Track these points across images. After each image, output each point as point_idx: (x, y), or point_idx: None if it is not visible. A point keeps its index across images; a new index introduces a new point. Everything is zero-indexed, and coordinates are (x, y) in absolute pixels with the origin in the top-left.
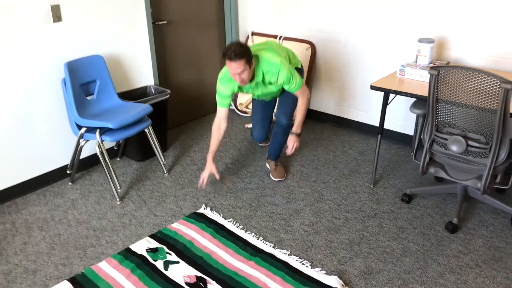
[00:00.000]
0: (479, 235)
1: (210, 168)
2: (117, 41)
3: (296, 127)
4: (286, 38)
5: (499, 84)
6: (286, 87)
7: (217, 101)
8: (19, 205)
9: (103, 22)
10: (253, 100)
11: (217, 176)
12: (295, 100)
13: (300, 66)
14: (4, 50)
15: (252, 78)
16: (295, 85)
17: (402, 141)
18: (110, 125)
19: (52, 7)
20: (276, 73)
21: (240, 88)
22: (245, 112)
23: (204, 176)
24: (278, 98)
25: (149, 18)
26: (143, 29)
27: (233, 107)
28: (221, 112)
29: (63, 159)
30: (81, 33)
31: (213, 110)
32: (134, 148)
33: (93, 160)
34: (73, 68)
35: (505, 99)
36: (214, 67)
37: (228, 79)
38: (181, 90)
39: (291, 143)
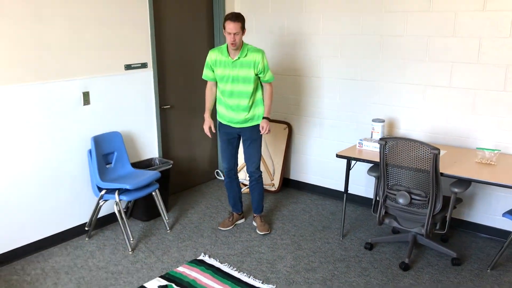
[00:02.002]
0: (426, 272)
1: (208, 121)
2: (132, 120)
3: (266, 112)
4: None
5: (429, 151)
6: (261, 75)
7: (204, 73)
8: (45, 256)
9: (122, 106)
10: (219, 139)
11: (213, 129)
12: (258, 149)
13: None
14: (44, 124)
15: (237, 53)
16: (269, 77)
17: (365, 204)
18: (128, 187)
19: (83, 93)
20: (259, 57)
21: (219, 64)
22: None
23: (206, 128)
24: (244, 150)
25: (157, 102)
26: (152, 111)
27: (222, 177)
28: (209, 83)
29: (81, 218)
30: (104, 114)
31: (204, 181)
32: (141, 209)
33: (105, 220)
34: (97, 141)
35: (434, 162)
36: (205, 144)
37: (216, 49)
38: (179, 163)
39: (263, 125)
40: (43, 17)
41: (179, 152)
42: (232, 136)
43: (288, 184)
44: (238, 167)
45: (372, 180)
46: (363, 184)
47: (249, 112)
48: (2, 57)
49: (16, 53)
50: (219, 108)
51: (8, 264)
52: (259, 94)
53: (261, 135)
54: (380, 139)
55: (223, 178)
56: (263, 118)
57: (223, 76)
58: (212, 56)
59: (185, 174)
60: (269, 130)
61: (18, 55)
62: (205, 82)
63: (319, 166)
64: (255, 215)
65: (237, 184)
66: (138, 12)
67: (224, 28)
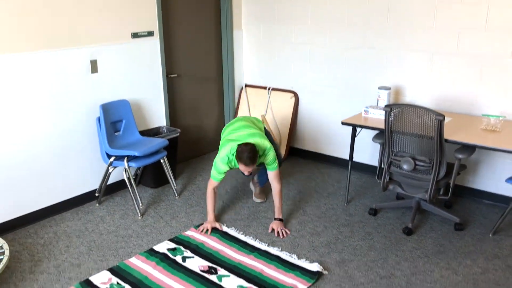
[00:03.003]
0: (429, 236)
1: (213, 223)
2: (139, 89)
3: (278, 213)
4: (273, 89)
5: (434, 117)
6: (268, 166)
7: (213, 174)
8: (57, 220)
9: (129, 74)
10: None
11: (220, 228)
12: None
13: (267, 128)
14: (53, 92)
15: None
16: (275, 166)
17: (370, 172)
18: (136, 153)
19: (91, 61)
20: (266, 155)
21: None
22: None
23: (207, 227)
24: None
25: (164, 71)
26: (159, 80)
27: None
28: (214, 184)
29: (91, 184)
30: (112, 82)
31: (211, 149)
32: (149, 177)
33: (115, 187)
34: (106, 109)
35: (439, 128)
36: (213, 114)
37: (227, 162)
38: (186, 132)
39: (276, 227)
40: None
41: (187, 120)
42: None
43: (294, 153)
44: None
45: (377, 148)
46: (368, 152)
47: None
48: (10, 25)
49: (24, 21)
50: None
51: (22, 228)
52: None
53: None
54: (386, 106)
55: None
56: (275, 219)
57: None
58: (224, 168)
59: (192, 143)
60: (286, 233)
61: (26, 23)
62: (211, 52)
63: (325, 135)
64: (258, 184)
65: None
66: None
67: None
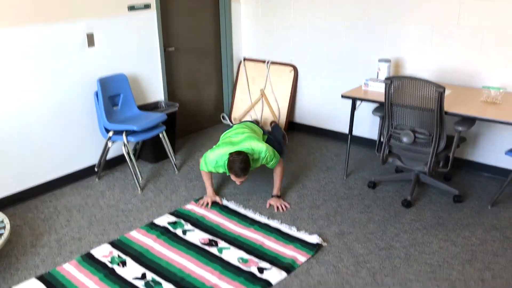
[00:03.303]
0: (428, 209)
1: (213, 198)
2: (136, 63)
3: (276, 191)
4: (272, 63)
5: (434, 89)
6: (269, 165)
7: (201, 164)
8: (57, 195)
9: (126, 48)
10: None
11: (220, 202)
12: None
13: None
14: (50, 68)
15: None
16: (274, 162)
17: (369, 145)
18: (135, 128)
19: (87, 35)
20: (263, 157)
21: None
22: None
23: (207, 200)
24: None
25: (161, 45)
26: (156, 53)
27: (228, 121)
28: (206, 174)
29: (91, 159)
30: (109, 56)
31: (210, 124)
32: (149, 151)
33: (114, 162)
34: (103, 83)
35: (439, 100)
36: (211, 88)
37: (214, 166)
38: (185, 106)
39: (275, 203)
40: None
41: (185, 95)
42: None
43: (293, 127)
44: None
45: (376, 122)
46: (367, 125)
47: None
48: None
49: None
50: None
51: (22, 203)
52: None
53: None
54: (386, 78)
55: (228, 122)
56: (273, 196)
57: None
58: (212, 169)
59: (191, 118)
60: (285, 206)
61: None
62: (209, 25)
63: (324, 109)
64: None
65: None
66: None
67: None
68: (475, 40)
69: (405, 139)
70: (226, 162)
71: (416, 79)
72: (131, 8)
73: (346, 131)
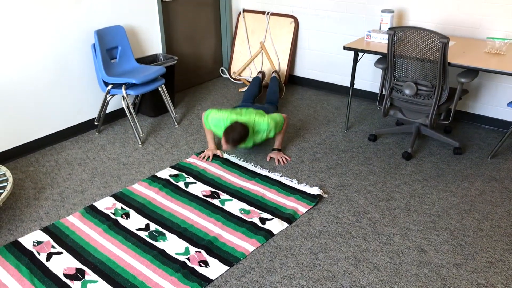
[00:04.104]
0: (428, 161)
1: (214, 151)
2: (133, 14)
3: (278, 145)
4: (272, 14)
5: (438, 39)
6: (271, 135)
7: (205, 121)
8: (57, 149)
9: None
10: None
11: (221, 155)
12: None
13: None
14: (46, 19)
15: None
16: (279, 127)
17: (370, 98)
18: (134, 81)
19: None
20: (264, 129)
21: None
22: (239, 80)
23: (208, 154)
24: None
25: None
26: (154, 4)
27: (227, 75)
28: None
29: (90, 113)
30: (105, 7)
31: (209, 78)
32: (148, 105)
33: (114, 116)
34: (101, 35)
35: (443, 51)
36: (210, 41)
37: (217, 126)
38: (183, 60)
39: (276, 156)
40: None
41: (184, 48)
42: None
43: (293, 80)
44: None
45: (377, 75)
46: (369, 78)
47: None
48: None
49: None
50: None
51: (23, 157)
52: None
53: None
54: (389, 29)
55: (228, 76)
56: (273, 149)
57: None
58: (213, 128)
59: (190, 71)
60: (286, 159)
61: None
62: None
63: (325, 62)
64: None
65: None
66: None
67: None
68: None
69: (407, 91)
70: (226, 127)
71: (420, 29)
72: None
73: (347, 84)
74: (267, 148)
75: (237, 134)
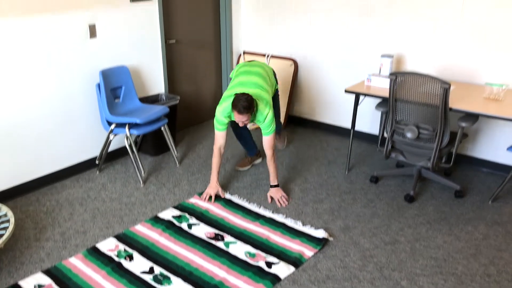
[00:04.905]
0: (430, 204)
1: (216, 188)
2: (138, 55)
3: (273, 180)
4: (272, 56)
5: (440, 85)
6: (264, 130)
7: (216, 126)
8: (58, 188)
9: (128, 39)
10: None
11: (222, 195)
12: (276, 110)
13: (277, 87)
14: (52, 58)
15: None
16: (269, 131)
17: (369, 140)
18: (138, 121)
19: (89, 26)
20: (263, 118)
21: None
22: None
23: (210, 193)
24: None
25: (163, 37)
26: (158, 45)
27: None
28: (220, 135)
29: (91, 152)
30: (111, 47)
31: (209, 117)
32: (149, 144)
33: (114, 154)
34: (106, 75)
35: (444, 97)
36: (211, 81)
37: (226, 114)
38: (185, 99)
39: (275, 195)
40: None
41: (184, 87)
42: None
43: (292, 121)
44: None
45: (376, 117)
46: (367, 120)
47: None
48: None
49: None
50: None
51: (23, 196)
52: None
53: (278, 98)
54: (391, 73)
55: None
56: (272, 186)
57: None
58: (224, 120)
59: (191, 110)
60: (285, 198)
61: None
62: (209, 17)
63: (324, 103)
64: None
65: (246, 132)
66: None
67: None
68: (477, 37)
69: (409, 135)
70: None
71: (421, 74)
72: None
73: (345, 125)
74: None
75: (244, 101)
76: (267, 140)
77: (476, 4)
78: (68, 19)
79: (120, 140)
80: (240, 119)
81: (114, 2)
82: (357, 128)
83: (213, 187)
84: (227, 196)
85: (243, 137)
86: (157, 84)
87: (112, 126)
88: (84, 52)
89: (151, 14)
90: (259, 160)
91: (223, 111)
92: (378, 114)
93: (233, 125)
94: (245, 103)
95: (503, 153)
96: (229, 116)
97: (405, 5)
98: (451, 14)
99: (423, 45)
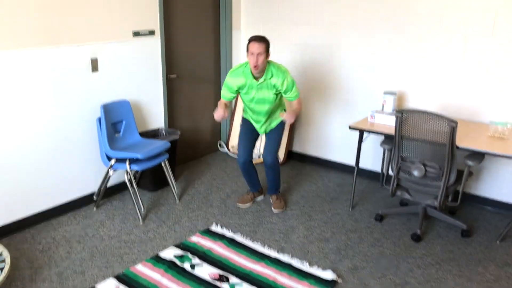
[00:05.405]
0: (437, 243)
1: (223, 108)
2: (139, 89)
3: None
4: None
5: (447, 123)
6: (286, 94)
7: (222, 94)
8: (54, 225)
9: (129, 74)
10: (241, 127)
11: (225, 115)
12: (279, 138)
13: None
14: (53, 91)
15: (261, 75)
16: (294, 95)
17: (371, 177)
18: (139, 156)
19: (91, 60)
20: (282, 78)
21: (244, 87)
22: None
23: (220, 112)
24: (265, 137)
25: (164, 72)
26: (159, 80)
27: (225, 149)
28: (223, 102)
29: (88, 188)
30: (112, 81)
31: (208, 152)
32: (148, 179)
33: (112, 190)
34: (107, 109)
35: (451, 135)
36: (210, 116)
37: (239, 73)
38: (183, 133)
39: (286, 116)
40: None
41: (183, 122)
42: (253, 130)
43: (292, 156)
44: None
45: (378, 154)
46: (369, 157)
47: (268, 123)
48: (10, 21)
49: (23, 17)
50: (246, 111)
51: (17, 233)
52: (279, 108)
53: (284, 127)
54: (397, 111)
55: (226, 150)
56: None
57: (247, 95)
58: (233, 82)
59: (189, 145)
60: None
61: (26, 19)
62: (209, 52)
63: (324, 139)
64: (270, 194)
65: (252, 167)
66: None
67: (247, 50)
68: (479, 74)
69: (416, 173)
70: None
71: (427, 113)
72: (136, 34)
73: (347, 161)
74: (273, 226)
75: (260, 35)
76: (296, 102)
77: (477, 43)
78: (70, 53)
79: (117, 175)
80: (256, 49)
81: (116, 36)
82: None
83: (220, 108)
84: (230, 234)
85: (249, 172)
86: (157, 118)
87: (112, 161)
88: (86, 86)
89: (153, 48)
90: (260, 197)
91: (234, 71)
92: (379, 151)
93: (241, 157)
94: (262, 36)
95: (507, 192)
96: (240, 78)
97: (407, 43)
98: (453, 53)
99: (425, 83)
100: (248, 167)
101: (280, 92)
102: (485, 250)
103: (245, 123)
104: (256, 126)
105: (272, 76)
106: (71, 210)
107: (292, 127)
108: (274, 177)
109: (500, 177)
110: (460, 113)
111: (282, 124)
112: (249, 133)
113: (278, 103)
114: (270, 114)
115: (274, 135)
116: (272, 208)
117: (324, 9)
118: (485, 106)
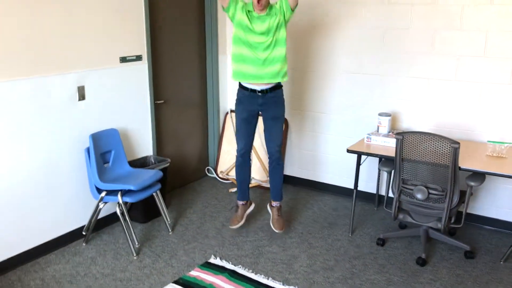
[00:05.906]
0: (442, 266)
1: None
2: (126, 117)
3: None
4: (261, 115)
5: (449, 145)
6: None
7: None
8: (42, 264)
9: (117, 101)
10: (237, 118)
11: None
12: (281, 128)
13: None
14: (39, 121)
15: (264, 12)
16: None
17: (366, 199)
18: (132, 187)
19: (78, 87)
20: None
21: (247, 14)
22: (227, 179)
23: None
24: (265, 129)
25: (152, 98)
26: (147, 107)
27: (214, 174)
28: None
29: (76, 222)
30: (99, 110)
31: (195, 178)
32: (139, 211)
33: (100, 223)
34: (96, 139)
35: (454, 156)
36: (196, 140)
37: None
38: (171, 160)
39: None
40: (36, 8)
41: (171, 149)
42: (252, 114)
43: (284, 179)
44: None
45: (372, 175)
46: (363, 179)
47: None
48: None
49: (8, 46)
50: (241, 67)
51: (2, 275)
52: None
53: (284, 114)
54: (397, 133)
55: (214, 175)
56: None
57: (248, 27)
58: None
59: (177, 172)
60: None
61: (11, 48)
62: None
63: (317, 161)
64: (273, 203)
65: (249, 168)
66: (132, 2)
67: None
68: (472, 94)
69: (419, 195)
70: None
71: (429, 134)
72: (123, 59)
73: (340, 183)
74: (275, 256)
75: None
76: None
77: (470, 63)
78: (56, 82)
79: (106, 207)
80: None
81: (104, 62)
82: (351, 186)
83: None
84: (231, 266)
85: (244, 170)
86: (145, 146)
87: (103, 194)
88: (72, 115)
89: (141, 74)
90: (250, 209)
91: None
92: (373, 172)
93: (241, 150)
94: None
95: (504, 211)
96: (243, 6)
97: (399, 64)
98: (446, 73)
99: (418, 103)
100: (247, 158)
101: (282, 17)
102: (491, 271)
103: (242, 105)
104: (256, 88)
105: (271, 6)
106: (59, 246)
107: (283, 150)
108: (280, 177)
109: (498, 195)
110: (455, 133)
111: (282, 103)
112: (249, 122)
113: (281, 52)
114: (271, 62)
115: (277, 123)
116: (272, 226)
117: (315, 33)
118: (480, 125)
